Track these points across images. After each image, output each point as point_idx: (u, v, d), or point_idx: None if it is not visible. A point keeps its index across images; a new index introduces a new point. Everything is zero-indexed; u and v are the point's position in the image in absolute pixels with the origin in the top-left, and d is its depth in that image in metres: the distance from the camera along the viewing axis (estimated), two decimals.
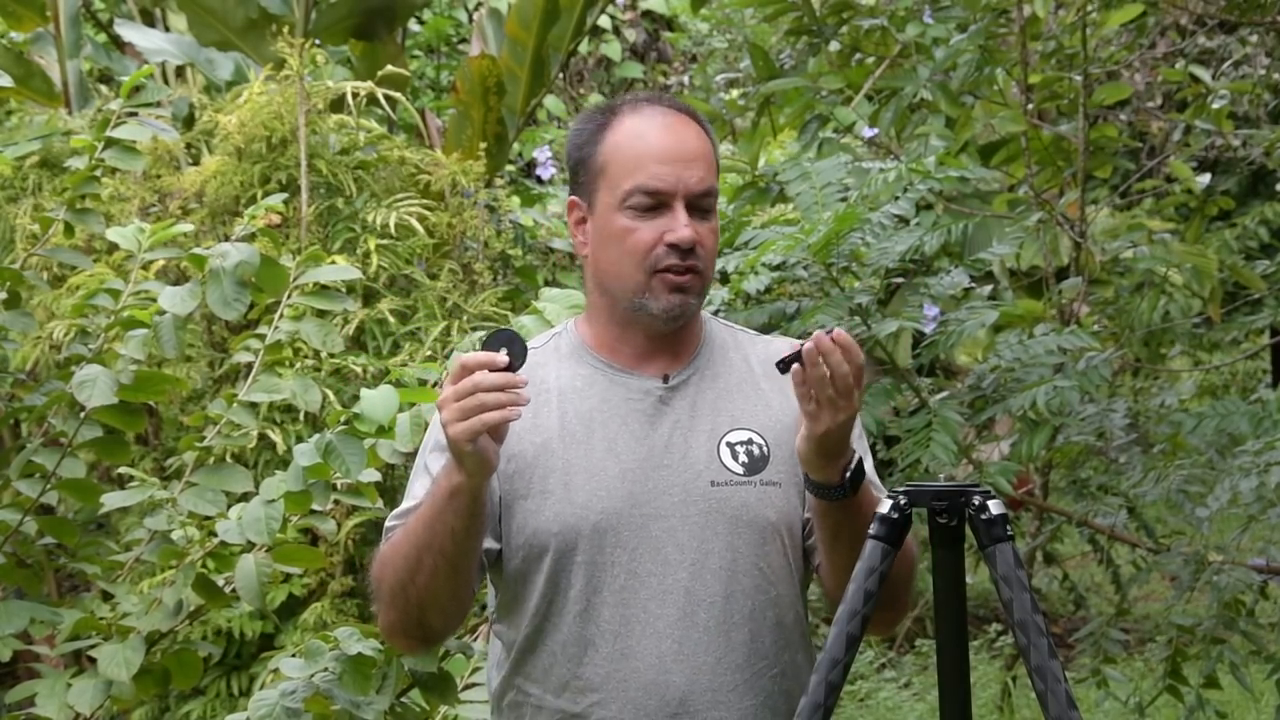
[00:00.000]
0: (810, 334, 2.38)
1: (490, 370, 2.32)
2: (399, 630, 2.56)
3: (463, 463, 2.36)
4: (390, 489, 4.52)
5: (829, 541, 2.51)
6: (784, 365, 2.38)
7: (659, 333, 2.57)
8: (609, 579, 2.52)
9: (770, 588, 2.56)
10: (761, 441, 2.57)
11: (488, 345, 2.35)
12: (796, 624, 2.60)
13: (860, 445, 2.61)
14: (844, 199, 4.18)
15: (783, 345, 2.66)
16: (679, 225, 2.51)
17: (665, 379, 2.59)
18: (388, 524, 2.57)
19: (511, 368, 2.33)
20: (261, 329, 3.57)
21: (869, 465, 2.60)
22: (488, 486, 2.44)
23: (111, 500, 3.52)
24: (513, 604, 2.58)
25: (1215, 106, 6.28)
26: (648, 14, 11.97)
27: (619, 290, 2.56)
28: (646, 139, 2.55)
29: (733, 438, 2.57)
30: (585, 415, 2.56)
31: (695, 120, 2.60)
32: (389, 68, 5.77)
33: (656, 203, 2.53)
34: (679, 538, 2.53)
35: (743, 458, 2.56)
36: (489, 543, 2.54)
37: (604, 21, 11.29)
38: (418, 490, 2.56)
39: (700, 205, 2.54)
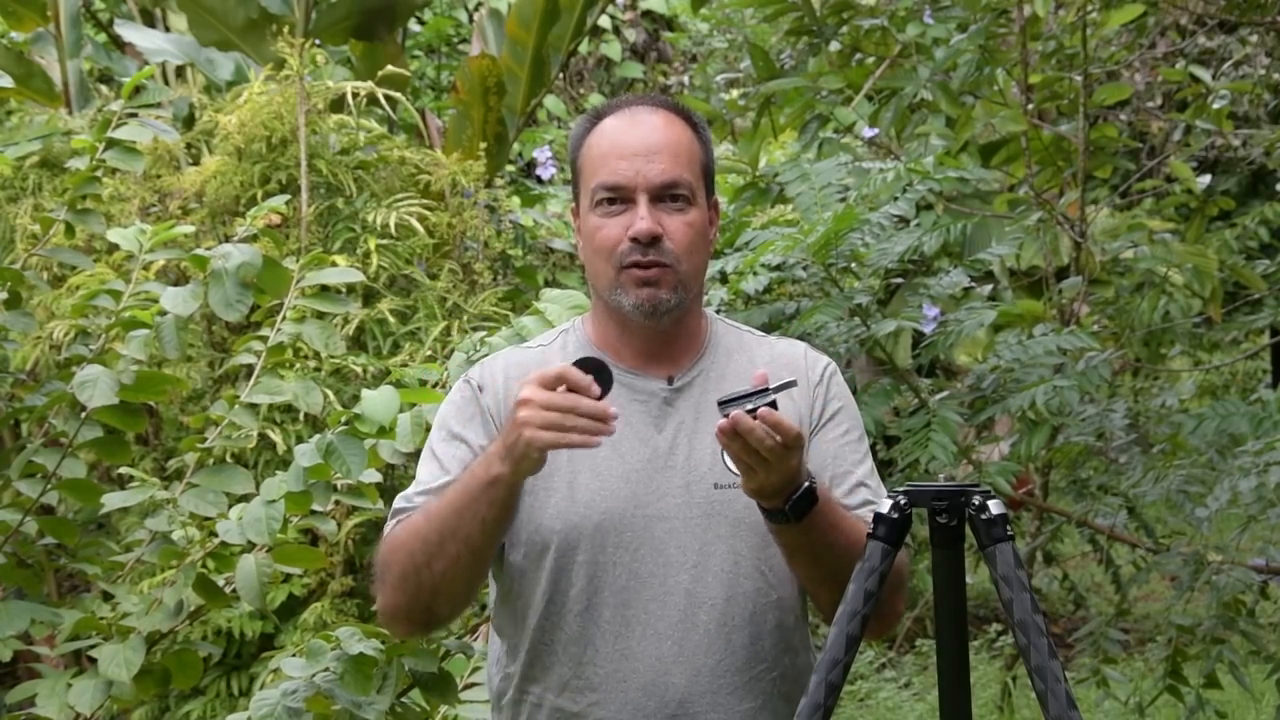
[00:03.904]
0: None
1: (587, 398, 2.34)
2: (402, 614, 2.54)
3: (519, 461, 2.38)
4: (390, 489, 4.51)
5: (788, 558, 2.51)
6: (722, 404, 2.34)
7: (653, 331, 2.57)
8: (610, 579, 2.52)
9: (771, 591, 2.56)
10: None
11: (579, 367, 2.37)
12: (797, 627, 2.61)
13: (860, 448, 2.62)
14: (843, 199, 4.18)
15: (785, 347, 2.67)
16: (637, 218, 2.52)
17: (670, 380, 2.59)
18: (397, 505, 2.57)
19: (600, 398, 2.36)
20: (263, 331, 3.57)
21: (864, 471, 2.59)
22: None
23: (112, 500, 3.52)
24: (514, 600, 2.58)
25: (1215, 106, 6.27)
26: (648, 14, 11.96)
27: (599, 288, 2.58)
28: (610, 137, 2.57)
29: None
30: None
31: (678, 115, 2.60)
32: (389, 68, 5.77)
33: (620, 198, 2.54)
34: (681, 539, 2.53)
35: None
36: None
37: (604, 21, 11.29)
38: (425, 475, 2.57)
39: (668, 197, 2.54)
